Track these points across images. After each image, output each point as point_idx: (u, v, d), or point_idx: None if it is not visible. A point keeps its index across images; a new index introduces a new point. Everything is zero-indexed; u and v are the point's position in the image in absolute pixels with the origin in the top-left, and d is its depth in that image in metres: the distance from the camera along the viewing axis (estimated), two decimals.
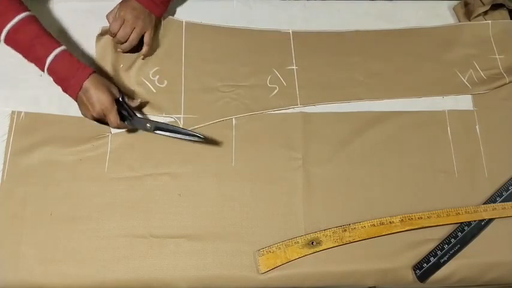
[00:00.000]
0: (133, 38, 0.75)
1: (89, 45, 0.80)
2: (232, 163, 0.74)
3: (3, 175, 0.72)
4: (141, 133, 0.75)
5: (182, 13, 0.84)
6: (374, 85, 0.80)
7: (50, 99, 0.77)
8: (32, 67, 0.77)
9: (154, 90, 0.78)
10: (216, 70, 0.79)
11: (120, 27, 0.74)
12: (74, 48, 0.80)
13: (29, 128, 0.74)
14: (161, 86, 0.78)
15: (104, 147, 0.74)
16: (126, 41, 0.75)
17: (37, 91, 0.77)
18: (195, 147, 0.74)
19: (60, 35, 0.81)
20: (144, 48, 0.77)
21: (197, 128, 0.75)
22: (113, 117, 0.68)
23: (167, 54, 0.80)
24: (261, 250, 0.69)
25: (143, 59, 0.78)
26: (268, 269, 0.68)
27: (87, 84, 0.67)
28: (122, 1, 0.76)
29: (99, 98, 0.67)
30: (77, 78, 0.67)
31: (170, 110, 0.77)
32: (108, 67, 0.78)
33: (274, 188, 0.73)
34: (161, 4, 0.77)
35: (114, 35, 0.75)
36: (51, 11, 0.83)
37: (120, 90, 0.71)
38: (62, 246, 0.68)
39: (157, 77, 0.78)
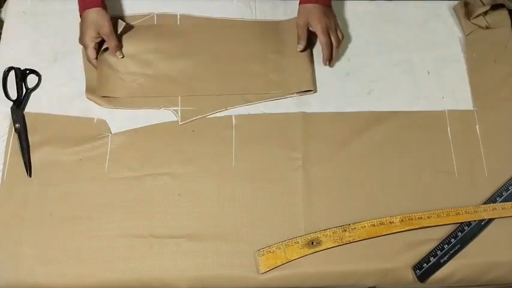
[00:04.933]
0: (326, 41, 0.78)
1: None
2: (232, 163, 0.74)
3: (3, 175, 0.72)
4: (141, 133, 0.75)
5: (181, 13, 0.84)
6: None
7: (50, 99, 0.77)
8: (32, 66, 0.78)
9: (151, 82, 0.78)
10: (212, 61, 0.79)
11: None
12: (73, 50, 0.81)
13: (29, 128, 0.75)
14: (157, 75, 0.78)
15: (104, 147, 0.74)
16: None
17: (37, 91, 0.78)
18: (195, 147, 0.74)
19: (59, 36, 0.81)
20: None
21: (194, 119, 0.76)
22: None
23: (162, 47, 0.80)
24: (261, 250, 0.69)
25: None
26: (268, 269, 0.68)
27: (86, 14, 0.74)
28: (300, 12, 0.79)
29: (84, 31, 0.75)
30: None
31: (167, 103, 0.77)
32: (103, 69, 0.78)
33: (274, 188, 0.73)
34: None
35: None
36: (52, 12, 0.83)
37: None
38: (62, 246, 0.68)
39: (152, 70, 0.79)
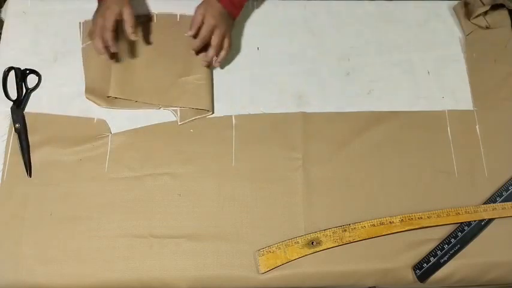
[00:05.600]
0: (217, 43, 0.74)
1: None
2: (232, 163, 0.74)
3: (3, 175, 0.72)
4: (141, 133, 0.75)
5: (181, 13, 0.84)
6: None
7: (50, 99, 0.77)
8: (32, 66, 0.78)
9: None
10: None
11: (200, 28, 0.74)
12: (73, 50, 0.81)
13: (29, 128, 0.75)
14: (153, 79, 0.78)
15: (104, 147, 0.74)
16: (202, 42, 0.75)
17: (37, 91, 0.78)
18: (195, 147, 0.75)
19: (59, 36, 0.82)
20: (223, 53, 0.76)
21: (193, 119, 0.76)
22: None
23: (159, 48, 0.80)
24: (261, 250, 0.69)
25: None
26: (268, 269, 0.68)
27: None
28: (203, 1, 0.76)
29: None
30: None
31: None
32: (97, 73, 0.78)
33: (274, 188, 0.73)
34: (239, 6, 0.78)
35: (194, 36, 0.75)
36: (52, 12, 0.83)
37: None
38: (62, 246, 0.68)
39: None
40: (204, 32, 0.74)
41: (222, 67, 0.80)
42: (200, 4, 0.76)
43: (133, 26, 0.71)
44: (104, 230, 0.69)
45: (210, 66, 0.78)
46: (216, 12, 0.74)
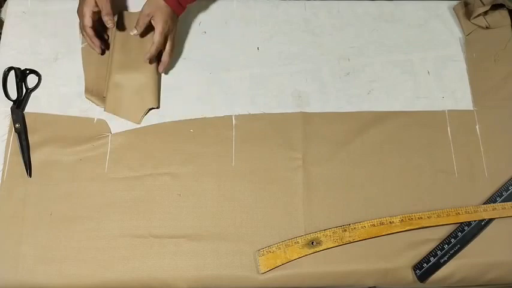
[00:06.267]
0: (159, 41, 0.73)
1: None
2: (232, 163, 0.74)
3: (3, 175, 0.72)
4: (141, 133, 0.75)
5: None
6: None
7: (50, 99, 0.77)
8: (32, 66, 0.78)
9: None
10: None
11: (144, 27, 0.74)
12: (72, 49, 0.81)
13: (29, 128, 0.75)
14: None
15: (104, 147, 0.74)
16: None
17: (37, 91, 0.78)
18: (195, 147, 0.74)
19: (58, 36, 0.82)
20: (165, 58, 0.76)
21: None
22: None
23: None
24: (261, 250, 0.69)
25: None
26: (268, 269, 0.68)
27: None
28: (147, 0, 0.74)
29: None
30: None
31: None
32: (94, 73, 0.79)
33: (274, 188, 0.73)
34: (184, 4, 0.77)
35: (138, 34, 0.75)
36: (52, 12, 0.83)
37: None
38: (62, 246, 0.68)
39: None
40: (157, 37, 0.73)
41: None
42: (146, 3, 0.74)
43: (108, 13, 0.72)
44: (104, 230, 0.69)
45: (151, 62, 0.76)
46: (165, 15, 0.73)
